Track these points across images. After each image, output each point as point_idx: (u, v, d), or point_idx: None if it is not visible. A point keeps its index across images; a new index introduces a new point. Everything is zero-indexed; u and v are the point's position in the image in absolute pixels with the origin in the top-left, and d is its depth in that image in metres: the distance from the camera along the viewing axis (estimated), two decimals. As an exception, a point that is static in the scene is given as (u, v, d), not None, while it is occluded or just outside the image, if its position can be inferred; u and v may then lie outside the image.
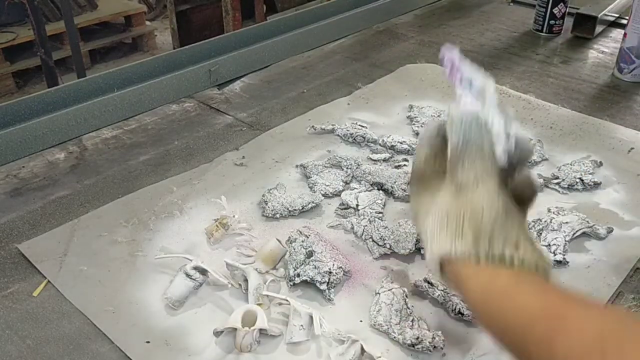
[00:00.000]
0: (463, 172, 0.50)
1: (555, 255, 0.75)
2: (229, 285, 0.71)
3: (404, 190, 0.88)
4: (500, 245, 0.47)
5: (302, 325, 0.65)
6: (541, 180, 0.91)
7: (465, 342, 0.65)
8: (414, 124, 1.05)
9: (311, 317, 0.65)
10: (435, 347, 0.63)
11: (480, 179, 0.49)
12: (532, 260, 0.47)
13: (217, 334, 0.65)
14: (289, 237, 0.76)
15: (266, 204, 0.84)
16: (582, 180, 0.89)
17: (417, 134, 1.02)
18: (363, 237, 0.79)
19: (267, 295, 0.68)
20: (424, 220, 0.53)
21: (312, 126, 1.03)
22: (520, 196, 0.53)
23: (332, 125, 1.04)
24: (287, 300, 0.67)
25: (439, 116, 1.06)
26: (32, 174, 0.94)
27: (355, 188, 0.87)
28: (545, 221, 0.80)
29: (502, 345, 0.45)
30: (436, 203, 0.52)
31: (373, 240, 0.77)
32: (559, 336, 0.39)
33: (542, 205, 0.85)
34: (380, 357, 0.62)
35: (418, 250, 0.77)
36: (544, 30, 1.44)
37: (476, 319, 0.48)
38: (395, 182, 0.88)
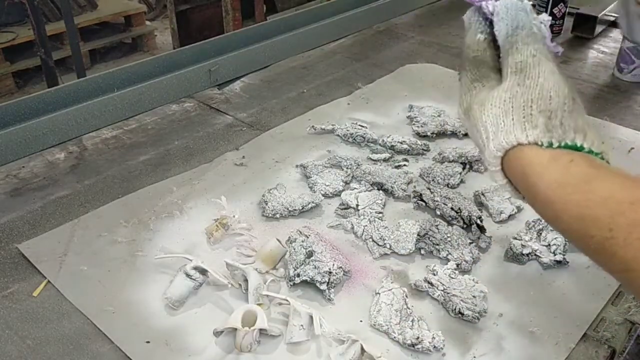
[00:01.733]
0: (519, 53, 0.48)
1: (555, 255, 0.75)
2: (229, 285, 0.71)
3: (404, 190, 0.88)
4: (571, 132, 0.44)
5: (302, 325, 0.64)
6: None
7: (465, 342, 0.65)
8: (414, 124, 1.05)
9: (311, 317, 0.65)
10: (435, 347, 0.63)
11: (539, 60, 0.48)
12: (599, 149, 0.45)
13: (217, 334, 0.65)
14: (289, 237, 0.76)
15: (266, 204, 0.84)
16: (582, 180, 0.89)
17: (418, 134, 1.02)
18: (363, 237, 0.79)
19: (267, 295, 0.68)
20: (480, 111, 0.48)
21: (312, 126, 1.03)
22: None
23: (332, 125, 1.04)
24: (287, 300, 0.67)
25: (438, 116, 1.06)
26: (32, 174, 0.94)
27: (355, 188, 0.87)
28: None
29: (576, 239, 0.43)
30: (494, 91, 0.48)
31: (373, 240, 0.77)
32: None
33: (542, 205, 0.85)
34: (380, 357, 0.62)
35: (418, 250, 0.77)
36: (544, 30, 1.44)
37: (544, 211, 0.44)
38: (395, 182, 0.88)
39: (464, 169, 0.92)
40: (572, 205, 0.42)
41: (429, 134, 1.01)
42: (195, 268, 0.70)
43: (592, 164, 0.43)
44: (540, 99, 0.45)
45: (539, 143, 0.44)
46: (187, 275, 0.70)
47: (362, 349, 0.62)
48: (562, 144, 0.44)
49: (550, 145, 0.44)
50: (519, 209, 0.84)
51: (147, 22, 3.63)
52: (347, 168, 0.92)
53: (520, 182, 0.46)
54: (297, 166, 0.94)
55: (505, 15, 0.50)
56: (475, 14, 0.54)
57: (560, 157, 0.44)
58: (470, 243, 0.77)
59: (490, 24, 0.52)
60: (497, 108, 0.47)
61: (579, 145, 0.44)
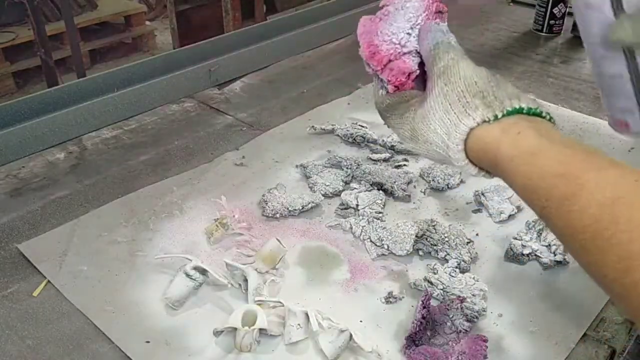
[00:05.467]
0: (441, 60, 0.53)
1: (555, 255, 0.75)
2: (229, 285, 0.71)
3: (404, 190, 0.88)
4: (507, 99, 0.49)
5: (299, 324, 0.65)
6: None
7: (465, 342, 0.65)
8: (414, 124, 1.05)
9: (307, 315, 0.65)
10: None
11: (457, 60, 0.53)
12: (536, 105, 0.49)
13: (217, 333, 0.65)
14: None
15: (266, 204, 0.84)
16: (582, 180, 0.89)
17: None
18: (361, 237, 0.79)
19: (262, 301, 0.68)
20: (426, 124, 0.53)
21: (312, 126, 1.03)
22: None
23: (332, 125, 1.04)
24: (280, 303, 0.67)
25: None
26: (32, 174, 0.94)
27: (355, 188, 0.87)
28: (545, 221, 0.80)
29: (527, 203, 0.47)
30: (427, 102, 0.53)
31: (371, 241, 0.77)
32: (574, 198, 0.41)
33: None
34: (371, 352, 0.62)
35: (416, 251, 0.77)
36: (544, 30, 1.44)
37: (506, 180, 0.49)
38: (395, 182, 0.88)
39: (464, 169, 0.92)
40: (519, 176, 0.46)
41: (429, 134, 1.01)
42: (195, 268, 0.70)
43: (539, 135, 0.46)
44: (468, 86, 0.50)
45: (486, 119, 0.48)
46: (187, 275, 0.70)
47: (351, 337, 0.63)
48: (505, 111, 0.48)
49: (496, 117, 0.48)
50: (519, 209, 0.84)
51: (147, 22, 3.63)
52: (347, 168, 0.92)
53: (485, 162, 0.50)
54: (297, 166, 0.94)
55: (425, 35, 0.57)
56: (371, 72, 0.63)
57: (509, 129, 0.47)
58: (467, 242, 0.77)
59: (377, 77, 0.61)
60: (438, 112, 0.51)
61: (517, 107, 0.48)
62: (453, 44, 0.55)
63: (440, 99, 0.51)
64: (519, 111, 0.48)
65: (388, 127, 0.59)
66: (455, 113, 0.50)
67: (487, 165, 0.50)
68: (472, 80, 0.50)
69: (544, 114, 0.49)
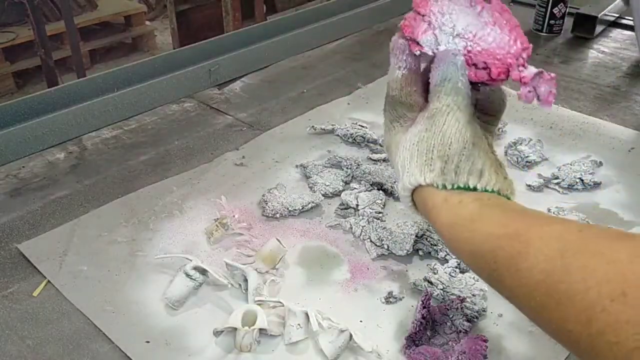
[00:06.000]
0: (438, 101, 0.52)
1: (555, 255, 0.75)
2: (229, 285, 0.71)
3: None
4: (465, 175, 0.48)
5: (299, 324, 0.65)
6: (541, 181, 0.91)
7: (465, 342, 0.65)
8: (414, 124, 1.05)
9: (307, 315, 0.65)
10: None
11: (451, 109, 0.51)
12: (496, 187, 0.48)
13: (217, 333, 0.65)
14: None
15: (266, 204, 0.84)
16: (582, 180, 0.89)
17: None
18: (361, 237, 0.79)
19: (262, 301, 0.68)
20: (395, 153, 0.54)
21: (312, 126, 1.03)
22: (489, 108, 0.56)
23: (332, 125, 1.04)
24: (280, 303, 0.67)
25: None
26: (32, 174, 0.94)
27: (355, 188, 0.87)
28: (545, 221, 0.80)
29: (475, 271, 0.48)
30: (407, 133, 0.53)
31: (371, 241, 0.77)
32: (522, 256, 0.41)
33: (542, 205, 0.85)
34: (371, 352, 0.62)
35: (416, 251, 0.77)
36: (544, 30, 1.44)
37: (447, 246, 0.50)
38: (395, 182, 0.88)
39: (464, 169, 0.92)
40: (462, 243, 0.47)
41: (429, 134, 1.01)
42: (195, 268, 0.70)
43: (481, 203, 0.47)
44: (441, 144, 0.50)
45: (434, 185, 0.49)
46: (187, 275, 0.70)
47: (351, 337, 0.63)
48: (455, 186, 0.48)
49: (444, 187, 0.49)
50: (519, 209, 0.84)
51: (147, 22, 3.63)
52: (347, 168, 0.92)
53: (426, 219, 0.52)
54: (297, 166, 0.94)
55: (438, 65, 0.52)
56: (398, 45, 0.55)
57: (450, 198, 0.48)
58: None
59: (415, 58, 0.54)
60: (407, 151, 0.52)
61: (471, 186, 0.48)
62: (460, 86, 0.51)
63: (415, 139, 0.51)
64: (471, 189, 0.48)
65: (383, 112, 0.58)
66: (415, 162, 0.50)
67: (427, 221, 0.52)
68: (448, 141, 0.49)
69: (501, 193, 0.48)
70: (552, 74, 0.49)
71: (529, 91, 0.49)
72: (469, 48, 0.51)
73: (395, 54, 0.56)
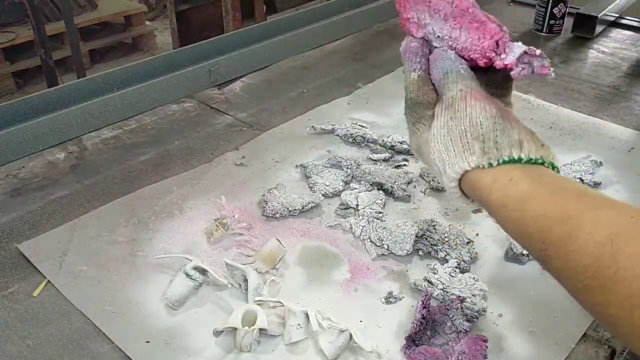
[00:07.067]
0: (450, 91, 0.52)
1: (555, 255, 0.75)
2: (229, 285, 0.71)
3: (404, 190, 0.88)
4: (507, 149, 0.48)
5: (299, 324, 0.65)
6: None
7: (465, 342, 0.65)
8: (414, 124, 1.05)
9: (307, 315, 0.65)
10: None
11: (466, 92, 0.51)
12: (539, 155, 0.48)
13: (217, 333, 0.65)
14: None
15: (266, 204, 0.84)
16: (582, 180, 0.89)
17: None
18: (361, 237, 0.79)
19: (262, 301, 0.68)
20: (427, 151, 0.53)
21: (312, 126, 1.03)
22: (498, 83, 0.56)
23: (332, 125, 1.04)
24: (280, 303, 0.67)
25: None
26: (32, 174, 0.94)
27: (355, 188, 0.87)
28: (545, 221, 0.80)
29: (524, 248, 0.48)
30: (433, 130, 0.53)
31: (371, 241, 0.77)
32: (571, 239, 0.42)
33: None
34: (371, 352, 0.62)
35: (416, 251, 0.77)
36: (544, 30, 1.44)
37: (498, 224, 0.50)
38: (395, 182, 0.88)
39: (464, 169, 0.92)
40: (512, 223, 0.47)
41: (429, 134, 1.01)
42: (195, 268, 0.70)
43: (531, 180, 0.47)
44: (472, 126, 0.50)
45: (480, 166, 0.49)
46: (187, 275, 0.70)
47: (351, 337, 0.63)
48: (500, 161, 0.48)
49: (490, 165, 0.48)
50: (519, 209, 0.84)
51: (147, 22, 3.63)
52: (347, 168, 0.92)
53: (478, 202, 0.51)
54: (297, 166, 0.94)
55: (434, 64, 0.55)
56: (411, 48, 0.58)
57: (501, 176, 0.48)
58: (467, 242, 0.77)
59: (427, 59, 0.57)
60: (439, 144, 0.52)
61: (516, 157, 0.48)
62: (462, 72, 0.53)
63: (444, 131, 0.51)
64: (517, 161, 0.48)
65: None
66: (453, 152, 0.50)
67: (481, 206, 0.51)
68: (477, 121, 0.50)
69: (546, 164, 0.49)
70: (538, 51, 0.51)
71: (521, 70, 0.51)
72: (452, 46, 0.54)
73: (408, 57, 0.58)
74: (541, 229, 0.44)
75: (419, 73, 0.57)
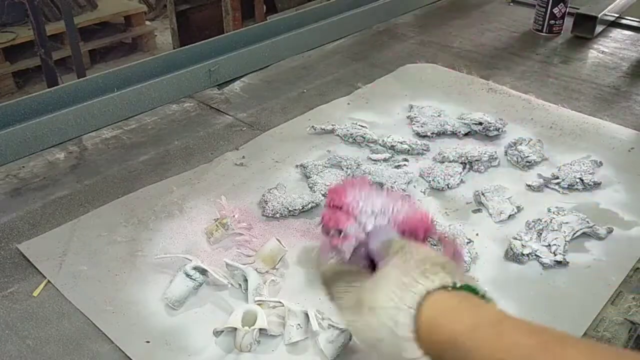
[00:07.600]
0: (396, 244, 0.51)
1: (555, 255, 0.75)
2: (229, 285, 0.71)
3: (404, 190, 0.88)
4: (463, 277, 0.48)
5: (299, 324, 0.65)
6: (541, 181, 0.91)
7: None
8: (414, 124, 1.05)
9: (307, 315, 0.65)
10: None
11: (409, 244, 0.52)
12: (484, 292, 0.47)
13: (217, 333, 0.65)
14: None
15: (266, 204, 0.84)
16: (582, 180, 0.89)
17: (418, 134, 1.02)
18: (363, 237, 0.79)
19: (262, 301, 0.68)
20: (375, 289, 0.49)
21: (312, 126, 1.03)
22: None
23: (332, 125, 1.04)
24: (280, 303, 0.67)
25: (438, 116, 1.06)
26: (32, 174, 0.94)
27: (355, 188, 0.87)
28: (545, 221, 0.80)
29: None
30: (378, 272, 0.50)
31: (373, 240, 0.77)
32: None
33: (542, 205, 0.85)
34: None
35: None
36: (544, 30, 1.44)
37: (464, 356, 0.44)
38: (395, 182, 0.88)
39: (464, 168, 0.92)
40: (487, 346, 0.43)
41: (428, 134, 1.01)
42: (195, 268, 0.70)
43: (495, 309, 0.46)
44: (428, 258, 0.48)
45: (446, 285, 0.46)
46: (187, 275, 0.70)
47: (350, 337, 0.63)
48: (464, 285, 0.46)
49: (455, 285, 0.46)
50: (519, 209, 0.84)
51: (147, 22, 3.63)
52: (347, 168, 0.92)
53: (438, 335, 0.45)
54: (297, 166, 0.94)
55: (375, 240, 0.55)
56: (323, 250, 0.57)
57: (469, 298, 0.46)
58: (467, 242, 0.77)
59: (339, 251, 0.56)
60: (392, 276, 0.48)
61: (472, 286, 0.46)
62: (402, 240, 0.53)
63: (398, 265, 0.49)
64: (473, 290, 0.47)
65: (327, 296, 0.56)
66: (414, 276, 0.47)
67: (438, 338, 0.45)
68: (432, 254, 0.49)
69: (486, 298, 0.47)
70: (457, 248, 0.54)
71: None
72: (393, 220, 0.56)
73: (324, 248, 0.56)
74: (520, 354, 0.41)
75: (343, 257, 0.56)
